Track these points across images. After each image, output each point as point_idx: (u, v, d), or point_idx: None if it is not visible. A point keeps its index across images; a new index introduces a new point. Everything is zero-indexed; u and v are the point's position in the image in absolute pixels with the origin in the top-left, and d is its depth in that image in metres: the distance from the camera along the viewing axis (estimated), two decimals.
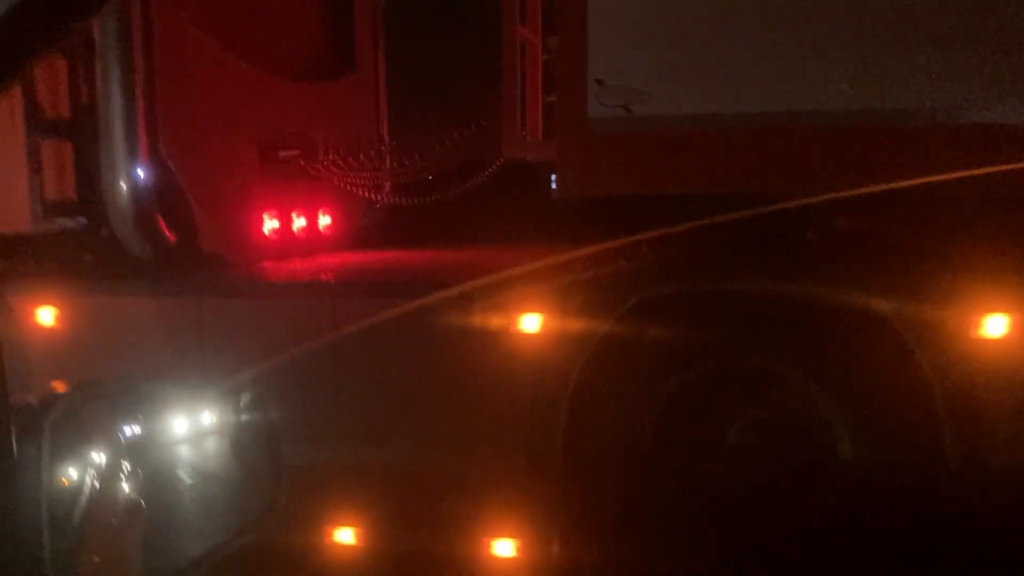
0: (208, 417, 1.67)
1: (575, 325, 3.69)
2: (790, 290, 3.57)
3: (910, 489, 3.43)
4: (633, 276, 3.66)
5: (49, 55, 4.21)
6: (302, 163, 5.55)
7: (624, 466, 3.72)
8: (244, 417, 1.78)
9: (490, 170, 5.23)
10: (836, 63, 3.57)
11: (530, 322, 3.76)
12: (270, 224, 5.39)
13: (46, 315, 4.37)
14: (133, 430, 1.48)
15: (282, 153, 5.43)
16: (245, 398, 1.73)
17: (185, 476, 1.57)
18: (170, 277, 4.46)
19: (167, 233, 4.55)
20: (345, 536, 4.05)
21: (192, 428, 1.58)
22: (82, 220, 4.45)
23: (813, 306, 3.52)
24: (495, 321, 3.75)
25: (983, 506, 3.38)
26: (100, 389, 1.59)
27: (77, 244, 4.47)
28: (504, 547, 3.88)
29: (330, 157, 5.64)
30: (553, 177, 4.25)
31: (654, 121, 3.60)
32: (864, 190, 3.53)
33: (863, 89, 3.58)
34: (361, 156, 5.75)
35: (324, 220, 5.90)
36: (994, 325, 3.43)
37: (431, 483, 3.92)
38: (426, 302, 3.92)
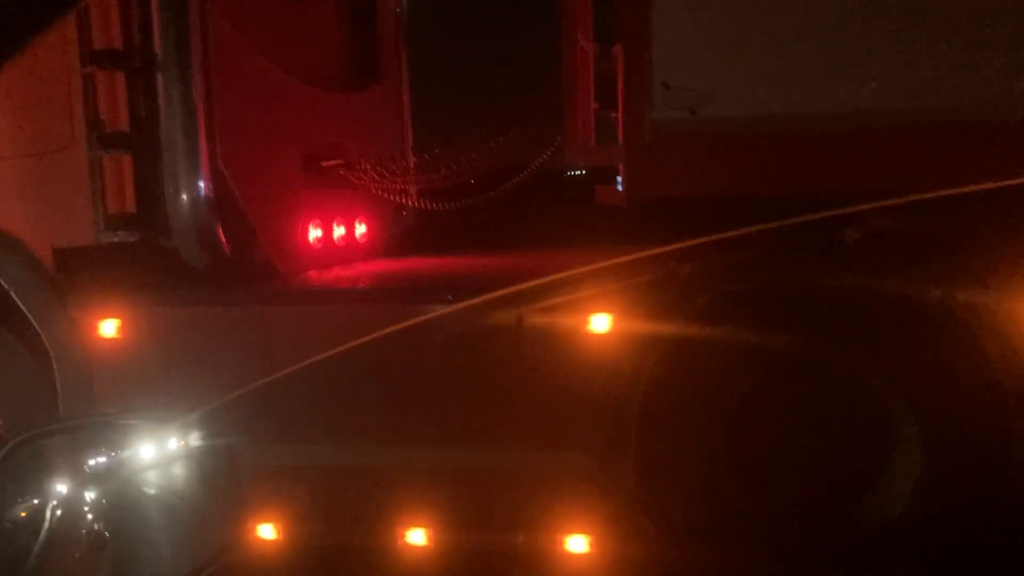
0: (172, 449, 1.67)
1: (645, 325, 3.77)
2: (859, 287, 3.65)
3: (986, 488, 3.52)
4: (703, 275, 3.74)
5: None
6: (342, 172, 5.62)
7: (697, 466, 3.79)
8: (205, 447, 1.76)
9: (532, 175, 5.30)
10: (899, 63, 3.67)
11: (600, 322, 3.83)
12: (314, 233, 5.45)
13: (109, 326, 4.41)
14: (97, 464, 1.54)
15: (324, 163, 5.50)
16: (207, 427, 1.79)
17: (149, 507, 1.62)
18: (230, 287, 4.50)
19: (224, 244, 4.60)
20: (418, 536, 4.10)
21: (156, 460, 1.65)
22: (141, 232, 4.49)
23: (885, 303, 3.60)
24: (565, 322, 3.82)
25: None
26: (63, 425, 1.67)
27: (137, 256, 4.51)
28: (578, 543, 3.95)
29: (369, 165, 5.70)
30: (616, 178, 4.32)
31: (720, 123, 3.68)
32: (931, 192, 3.64)
33: (926, 87, 3.69)
34: (400, 164, 5.82)
35: (360, 228, 5.97)
36: None
37: (503, 484, 3.98)
38: (497, 304, 4.01)
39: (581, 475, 3.89)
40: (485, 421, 3.94)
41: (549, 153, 5.00)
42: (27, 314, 4.50)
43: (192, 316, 4.37)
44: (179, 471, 1.67)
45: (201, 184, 4.37)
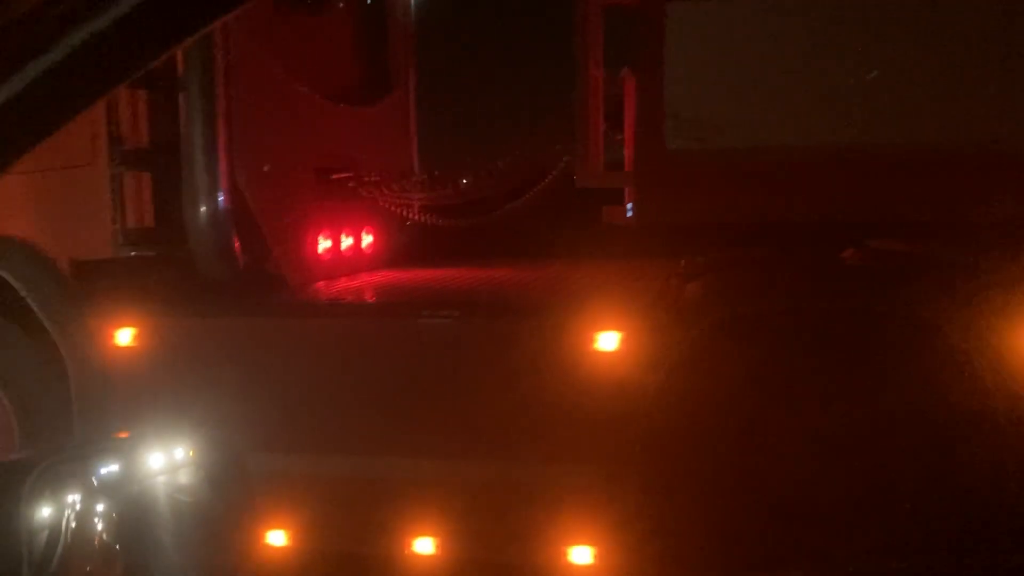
0: (184, 461, 1.63)
1: (652, 343, 3.89)
2: (858, 309, 3.80)
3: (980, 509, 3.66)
4: (710, 295, 3.88)
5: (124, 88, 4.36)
6: (352, 184, 5.73)
7: (701, 482, 3.92)
8: (218, 457, 1.78)
9: (536, 192, 5.44)
10: (903, 96, 3.82)
11: (608, 339, 3.96)
12: (324, 245, 5.56)
13: (125, 335, 4.51)
14: (111, 481, 1.51)
15: (335, 175, 5.61)
16: (219, 437, 1.76)
17: (163, 521, 1.60)
18: (245, 299, 4.61)
19: (240, 256, 4.71)
20: (426, 546, 4.21)
21: (169, 473, 1.62)
22: (160, 246, 4.59)
23: (885, 324, 3.75)
24: (573, 337, 3.95)
25: None
26: (82, 448, 1.64)
27: (155, 269, 4.61)
28: (582, 555, 4.07)
29: (378, 178, 5.82)
30: (627, 204, 4.46)
31: (729, 153, 3.82)
32: (928, 217, 3.80)
33: (930, 118, 3.84)
34: (411, 177, 5.95)
35: (367, 239, 6.08)
36: None
37: (510, 495, 4.10)
38: (509, 320, 4.14)
39: (586, 488, 4.00)
40: (492, 434, 4.05)
41: (556, 173, 5.12)
42: (44, 322, 4.59)
43: (205, 327, 4.48)
44: (190, 481, 1.70)
45: (219, 199, 4.47)
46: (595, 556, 4.05)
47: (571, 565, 4.08)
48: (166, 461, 1.66)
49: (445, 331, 4.12)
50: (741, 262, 4.24)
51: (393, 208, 5.92)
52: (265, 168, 4.83)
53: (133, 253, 4.58)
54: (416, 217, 6.09)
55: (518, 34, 6.13)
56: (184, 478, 1.71)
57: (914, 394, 3.81)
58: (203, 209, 4.45)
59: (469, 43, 6.43)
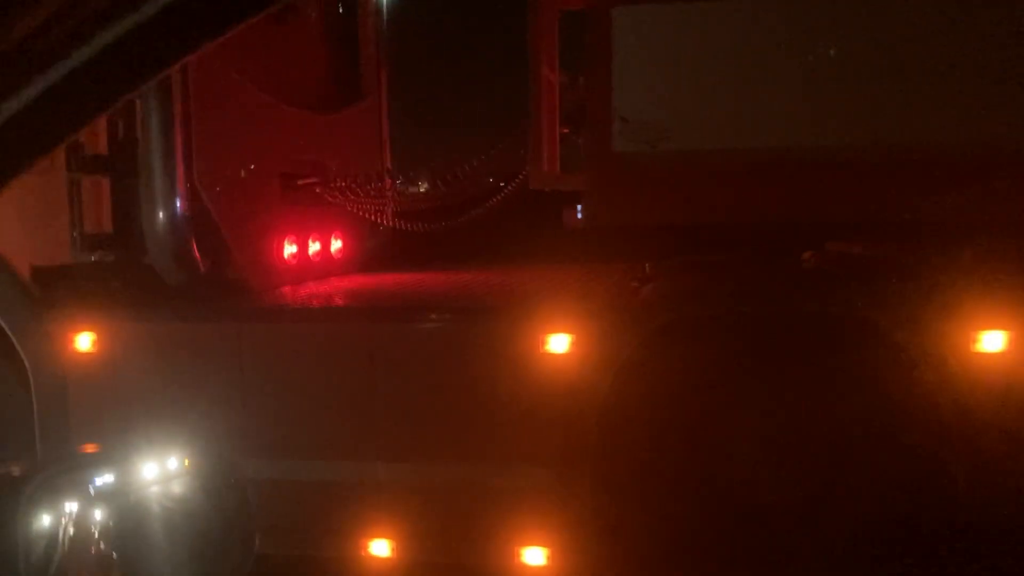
0: (179, 470, 1.64)
1: (603, 345, 3.93)
2: (804, 312, 3.83)
3: (921, 501, 3.70)
4: (657, 299, 3.91)
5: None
6: (318, 190, 5.76)
7: (651, 481, 3.95)
8: (213, 467, 1.74)
9: (501, 197, 5.47)
10: (849, 100, 3.87)
11: (559, 342, 3.99)
12: (289, 250, 5.58)
13: (84, 340, 4.53)
14: (106, 492, 1.52)
15: (300, 181, 5.64)
16: (214, 447, 1.78)
17: (159, 530, 1.62)
18: (203, 303, 4.63)
19: (199, 261, 4.73)
20: (381, 548, 4.24)
21: (164, 482, 1.63)
22: (119, 251, 4.61)
23: (828, 325, 3.79)
24: (526, 340, 3.98)
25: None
26: (78, 459, 1.65)
27: (113, 274, 4.63)
28: (535, 555, 4.09)
29: (346, 184, 5.85)
30: (577, 205, 4.49)
31: (677, 156, 3.86)
32: (871, 218, 3.84)
33: (872, 123, 3.88)
34: (375, 183, 5.97)
35: (336, 244, 6.11)
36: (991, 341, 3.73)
37: (464, 497, 4.12)
38: (461, 323, 4.17)
39: (539, 489, 4.03)
40: (445, 437, 4.08)
41: (520, 178, 5.16)
42: (4, 327, 4.61)
43: (165, 331, 4.50)
44: (181, 489, 1.70)
45: (177, 203, 4.50)
46: (548, 557, 4.08)
47: (524, 566, 4.10)
48: (160, 471, 1.66)
49: (397, 335, 4.15)
50: (697, 265, 4.27)
51: (362, 213, 5.95)
52: (227, 173, 4.85)
53: (93, 258, 4.60)
54: (385, 222, 6.12)
55: (491, 41, 6.18)
56: (177, 488, 1.70)
57: (859, 394, 3.85)
58: (160, 214, 4.48)
59: (441, 50, 6.48)
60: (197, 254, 4.70)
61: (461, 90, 6.19)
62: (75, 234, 4.53)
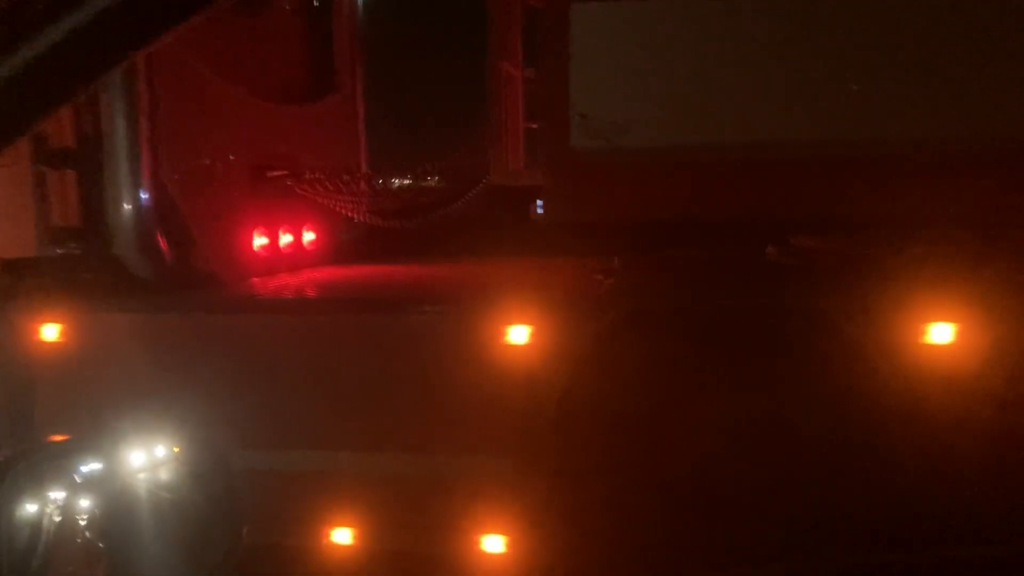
0: (167, 458, 1.62)
1: (561, 337, 3.99)
2: (758, 304, 3.90)
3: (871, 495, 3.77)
4: (616, 292, 3.97)
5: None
6: (288, 183, 5.79)
7: (609, 470, 4.01)
8: (201, 455, 1.72)
9: (472, 192, 5.52)
10: (808, 97, 3.93)
11: (519, 333, 4.05)
12: (259, 241, 5.62)
13: (50, 331, 4.56)
14: (92, 479, 1.49)
15: (270, 173, 5.67)
16: (202, 435, 1.75)
17: (145, 519, 1.59)
18: (169, 295, 4.67)
19: (166, 253, 4.76)
20: (343, 536, 4.29)
21: (151, 470, 1.60)
22: (85, 243, 4.64)
23: (783, 318, 3.86)
24: (485, 332, 4.03)
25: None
26: (62, 445, 1.61)
27: (79, 265, 4.66)
28: (494, 543, 4.15)
29: (315, 176, 5.89)
30: (538, 200, 4.55)
31: (634, 152, 3.92)
32: (830, 213, 3.91)
33: (830, 120, 3.95)
34: (346, 177, 6.01)
35: (308, 236, 6.15)
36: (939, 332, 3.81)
37: (425, 487, 4.18)
38: (424, 315, 4.22)
39: (498, 479, 4.09)
40: (406, 426, 4.13)
41: (472, 172, 5.21)
42: None
43: (132, 323, 4.53)
44: (168, 477, 1.66)
45: (143, 195, 4.53)
46: (507, 544, 4.14)
47: (484, 554, 4.16)
48: (147, 458, 1.61)
49: (358, 326, 4.19)
50: (663, 260, 4.34)
51: (333, 207, 5.99)
52: (194, 165, 4.88)
53: (60, 250, 4.62)
54: (357, 216, 6.16)
55: (465, 36, 6.20)
56: (164, 475, 1.65)
57: (813, 385, 3.92)
58: (127, 206, 4.51)
59: (416, 44, 6.50)
60: (164, 246, 4.74)
61: (435, 85, 6.22)
62: (41, 226, 4.55)
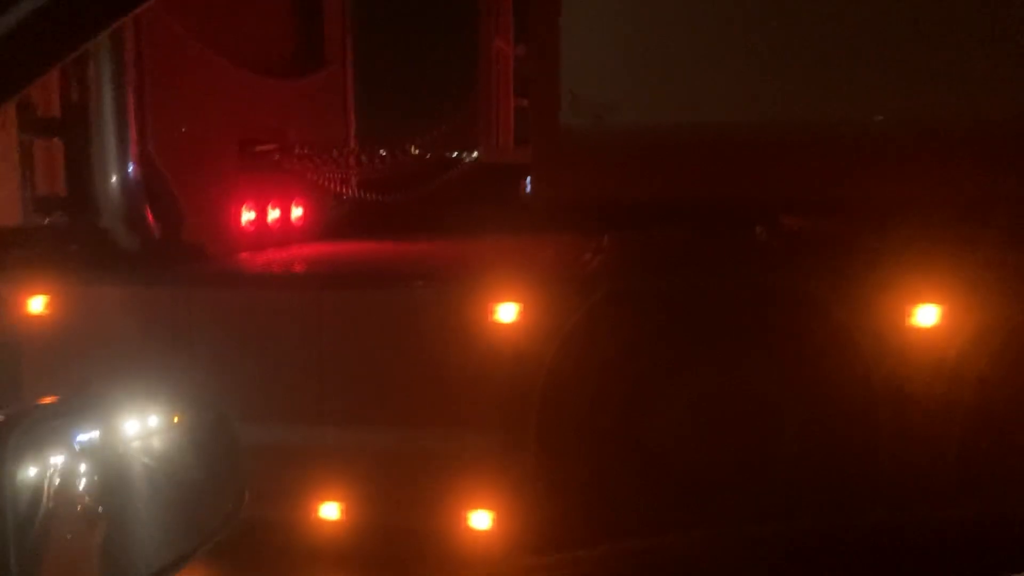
0: (167, 422, 1.57)
1: (548, 314, 4.00)
2: (744, 284, 3.92)
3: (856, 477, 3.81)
4: (604, 270, 3.98)
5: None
6: (277, 157, 5.77)
7: (593, 445, 4.04)
8: (203, 419, 1.76)
9: (461, 169, 5.51)
10: (800, 75, 3.93)
11: (507, 310, 4.06)
12: (247, 216, 5.60)
13: (37, 303, 4.54)
14: (92, 442, 1.44)
15: (259, 147, 5.64)
16: (204, 399, 1.71)
17: (145, 484, 1.52)
18: (157, 268, 4.65)
19: (153, 226, 4.74)
20: (330, 511, 4.31)
21: (151, 435, 1.55)
22: (71, 214, 4.61)
23: (769, 298, 3.88)
24: (474, 308, 4.04)
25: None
26: (62, 405, 1.55)
27: (66, 237, 4.63)
28: (481, 518, 4.19)
29: (304, 151, 5.86)
30: (527, 178, 4.54)
31: (624, 130, 3.91)
32: (820, 193, 3.92)
33: (822, 99, 3.95)
34: (335, 151, 5.98)
35: (296, 212, 6.13)
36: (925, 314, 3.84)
37: (413, 462, 4.20)
38: (411, 291, 4.23)
39: (485, 454, 4.12)
40: (394, 401, 4.15)
41: (461, 149, 5.20)
42: None
43: (119, 295, 4.52)
44: (168, 442, 1.65)
45: (130, 167, 4.50)
46: (493, 519, 4.17)
47: (470, 529, 4.19)
48: (148, 423, 1.59)
49: (346, 302, 4.19)
50: (650, 239, 4.35)
51: (322, 182, 5.97)
52: (182, 138, 4.85)
53: (46, 221, 4.59)
54: (345, 191, 6.14)
55: (457, 10, 6.16)
56: (164, 440, 1.62)
57: (797, 364, 3.95)
58: (114, 178, 4.49)
59: (407, 18, 6.45)
60: (151, 218, 4.72)
61: (425, 60, 6.18)
62: (27, 196, 4.52)
